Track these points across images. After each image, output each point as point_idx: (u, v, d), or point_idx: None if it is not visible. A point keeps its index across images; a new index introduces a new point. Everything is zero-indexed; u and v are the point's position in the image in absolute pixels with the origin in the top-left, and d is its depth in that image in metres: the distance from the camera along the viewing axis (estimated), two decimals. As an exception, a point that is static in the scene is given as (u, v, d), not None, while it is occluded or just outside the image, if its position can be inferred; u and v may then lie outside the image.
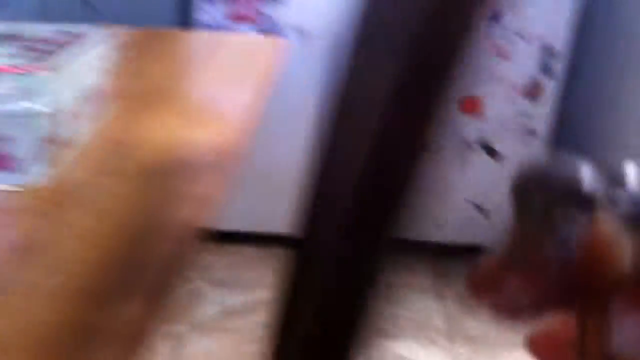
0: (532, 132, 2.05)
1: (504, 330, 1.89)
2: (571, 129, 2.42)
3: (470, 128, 2.05)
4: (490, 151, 2.08)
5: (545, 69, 1.99)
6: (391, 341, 1.82)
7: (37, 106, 0.61)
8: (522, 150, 2.07)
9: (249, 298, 1.95)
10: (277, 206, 2.13)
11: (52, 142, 0.62)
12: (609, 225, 0.38)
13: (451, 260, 2.16)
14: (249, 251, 2.14)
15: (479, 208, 2.13)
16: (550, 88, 2.00)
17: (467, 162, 2.09)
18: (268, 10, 1.94)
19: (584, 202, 0.38)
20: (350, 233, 0.49)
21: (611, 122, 2.09)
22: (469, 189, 2.12)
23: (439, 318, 1.92)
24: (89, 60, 0.73)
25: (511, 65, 1.98)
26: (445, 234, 2.16)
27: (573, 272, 0.39)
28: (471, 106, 2.04)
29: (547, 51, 1.96)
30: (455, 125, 2.05)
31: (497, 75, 1.99)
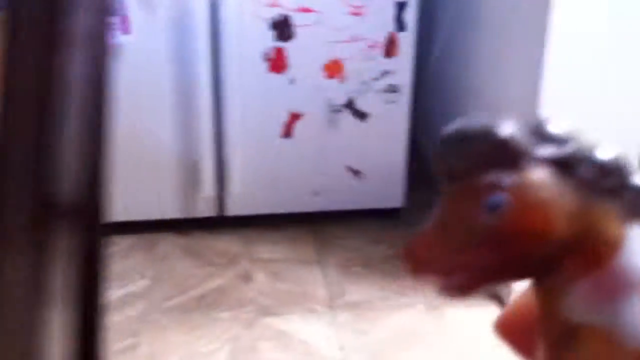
0: (395, 89, 2.03)
1: (385, 294, 1.87)
2: (434, 82, 2.43)
3: (335, 91, 2.01)
4: (358, 113, 2.05)
5: (400, 24, 1.96)
6: (271, 317, 1.78)
7: None
8: (389, 108, 2.05)
9: (125, 290, 1.87)
10: (146, 192, 2.04)
11: None
12: (543, 178, 0.32)
13: (332, 227, 2.13)
14: (124, 241, 2.05)
15: (353, 171, 2.11)
16: (407, 42, 1.98)
17: (336, 127, 2.05)
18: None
19: (509, 161, 0.32)
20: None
21: (470, 71, 2.10)
22: (342, 153, 2.09)
23: (321, 288, 1.89)
24: None
25: (366, 23, 1.95)
26: (323, 201, 2.12)
27: (509, 241, 0.34)
28: (333, 69, 2.00)
29: (400, 5, 1.94)
30: (320, 90, 2.00)
31: (354, 35, 1.96)
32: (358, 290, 1.88)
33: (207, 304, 1.83)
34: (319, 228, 2.12)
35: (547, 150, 0.31)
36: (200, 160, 2.01)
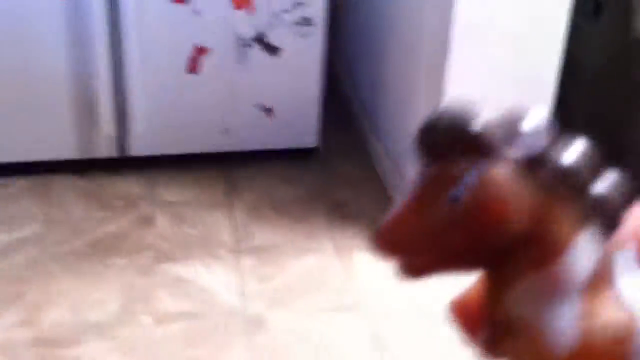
0: (309, 22, 1.91)
1: (294, 238, 1.79)
2: (351, 14, 2.32)
3: (244, 24, 1.88)
4: (269, 47, 1.93)
5: (313, -48, 1.83)
6: (171, 264, 1.68)
7: None
8: (302, 42, 1.93)
9: (13, 236, 1.74)
10: (38, 130, 1.90)
11: None
12: (504, 175, 0.31)
13: (241, 168, 2.02)
14: (15, 183, 1.91)
15: (265, 109, 1.99)
16: (321, -28, 1.86)
17: (246, 62, 1.93)
18: None
19: (479, 153, 0.30)
20: None
21: (385, 3, 1.99)
22: (252, 90, 1.97)
23: (227, 232, 1.80)
24: None
25: (277, -51, 1.81)
26: (232, 141, 2.01)
27: (466, 230, 0.33)
28: (241, 0, 1.86)
29: None
30: (227, 22, 1.87)
31: (263, -37, 1.82)
32: (266, 234, 1.79)
33: (102, 250, 1.72)
34: (228, 169, 2.01)
35: (516, 148, 0.30)
36: (98, 96, 1.87)
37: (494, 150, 0.33)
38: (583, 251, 0.33)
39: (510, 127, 0.35)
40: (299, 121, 2.02)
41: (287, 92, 1.99)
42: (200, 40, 1.88)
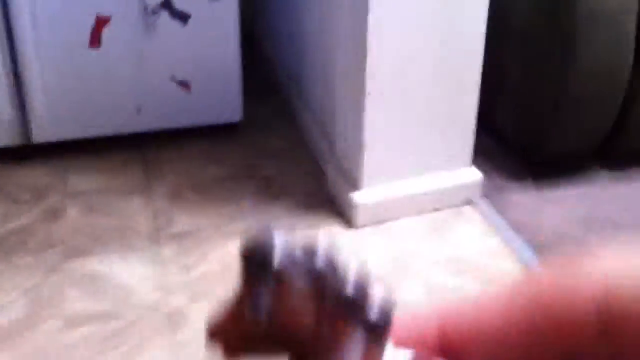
0: (220, -15, 1.75)
1: (219, 221, 1.64)
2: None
3: (149, -10, 1.71)
4: (178, 14, 1.76)
5: None
6: (83, 259, 1.52)
7: None
8: (214, 7, 1.77)
9: None
10: None
11: None
12: (290, 300, 0.41)
13: (159, 150, 1.86)
14: None
15: (180, 83, 1.83)
16: None
17: (154, 32, 1.76)
18: None
19: (273, 276, 0.39)
20: None
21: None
22: (164, 62, 1.80)
23: (146, 220, 1.64)
24: None
25: None
26: (147, 120, 1.85)
27: (266, 335, 0.43)
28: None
29: None
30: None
31: None
32: (189, 220, 1.64)
33: (5, 249, 1.54)
34: (144, 151, 1.85)
35: (306, 277, 0.42)
36: (-9, 79, 1.68)
37: (284, 278, 0.43)
38: (352, 357, 0.44)
39: (303, 259, 0.44)
40: (220, 94, 1.87)
41: (203, 63, 1.83)
42: (101, 8, 1.70)
